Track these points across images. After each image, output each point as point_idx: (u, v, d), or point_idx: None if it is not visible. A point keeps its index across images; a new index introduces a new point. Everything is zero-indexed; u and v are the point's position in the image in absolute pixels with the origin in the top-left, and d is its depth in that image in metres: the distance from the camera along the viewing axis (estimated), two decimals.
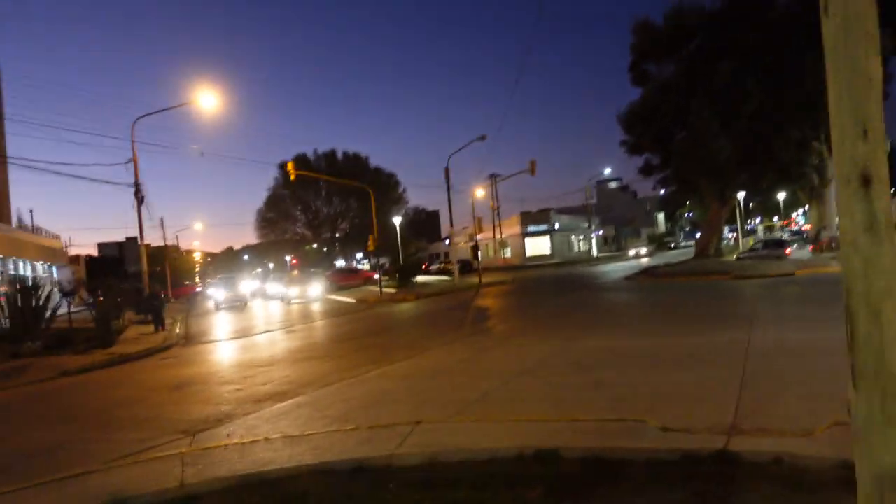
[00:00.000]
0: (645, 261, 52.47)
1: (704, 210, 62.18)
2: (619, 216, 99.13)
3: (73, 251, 56.29)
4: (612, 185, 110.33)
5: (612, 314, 16.92)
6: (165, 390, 10.40)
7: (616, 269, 41.44)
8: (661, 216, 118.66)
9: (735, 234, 54.28)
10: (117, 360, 14.74)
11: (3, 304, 16.19)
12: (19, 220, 44.82)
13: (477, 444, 5.36)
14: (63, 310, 18.32)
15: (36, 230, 40.82)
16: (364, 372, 10.22)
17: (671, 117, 32.25)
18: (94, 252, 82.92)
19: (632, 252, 65.05)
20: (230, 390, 9.73)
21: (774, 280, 21.78)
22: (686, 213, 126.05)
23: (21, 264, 32.29)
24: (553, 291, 27.15)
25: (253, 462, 5.47)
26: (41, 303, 16.76)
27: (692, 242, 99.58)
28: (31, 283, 22.38)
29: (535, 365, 9.55)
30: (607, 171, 76.43)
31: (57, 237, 42.20)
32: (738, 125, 30.22)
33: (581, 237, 79.20)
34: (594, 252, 75.51)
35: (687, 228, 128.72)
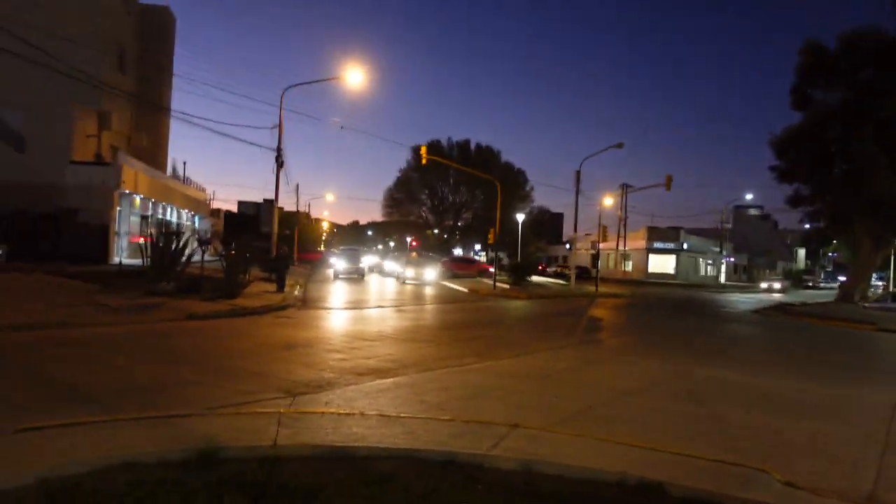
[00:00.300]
0: (778, 296, 48.99)
1: (853, 252, 57.06)
2: (754, 245, 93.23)
3: (215, 205, 60.34)
4: (752, 211, 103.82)
5: (736, 347, 15.76)
6: (276, 348, 10.74)
7: (744, 300, 38.98)
8: (801, 252, 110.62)
9: (884, 282, 49.39)
10: (238, 311, 15.48)
11: (147, 244, 17.43)
12: (173, 169, 48.60)
13: (575, 461, 5.02)
14: (197, 257, 19.48)
15: (186, 181, 44.01)
16: (467, 363, 10.07)
17: (831, 147, 29.68)
18: (234, 208, 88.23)
19: (764, 284, 60.99)
20: (335, 358, 9.88)
21: None
22: (830, 253, 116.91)
23: (169, 210, 34.99)
24: (673, 313, 25.84)
25: (345, 435, 5.43)
26: (179, 248, 17.92)
27: (833, 284, 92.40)
28: (174, 229, 24.16)
29: (645, 386, 9.00)
30: (749, 196, 71.68)
31: (203, 190, 45.27)
32: None
33: (710, 261, 75.35)
34: (722, 278, 71.54)
35: (829, 269, 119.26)
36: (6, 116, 25.47)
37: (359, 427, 5.75)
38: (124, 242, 26.44)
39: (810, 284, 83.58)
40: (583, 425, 6.52)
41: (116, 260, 24.19)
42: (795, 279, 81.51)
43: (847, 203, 29.98)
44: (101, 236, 24.57)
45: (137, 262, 19.11)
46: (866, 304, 32.95)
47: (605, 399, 7.93)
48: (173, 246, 17.64)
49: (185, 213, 38.64)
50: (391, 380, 8.43)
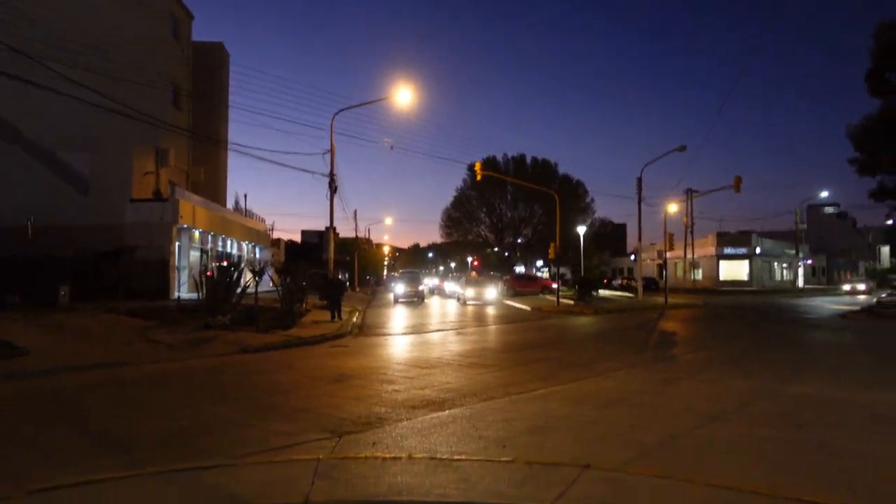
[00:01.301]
0: (862, 297, 45.93)
1: None
2: (832, 245, 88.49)
3: (279, 234, 61.34)
4: (828, 210, 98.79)
5: (829, 357, 14.27)
6: (326, 381, 10.19)
7: (828, 304, 36.53)
8: (885, 250, 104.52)
9: None
10: (293, 342, 15.10)
11: (202, 278, 17.33)
12: (235, 202, 49.57)
13: None
14: (257, 287, 19.37)
15: (248, 213, 44.71)
16: (531, 389, 9.26)
17: None
18: (298, 238, 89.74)
19: (846, 286, 57.39)
20: (388, 390, 9.24)
21: None
22: None
23: (229, 242, 35.43)
24: (751, 322, 24.18)
25: (388, 486, 4.73)
26: (234, 280, 17.76)
27: None
28: (233, 261, 24.21)
29: (732, 409, 7.97)
30: (823, 194, 68.06)
31: (263, 220, 45.92)
32: None
33: (786, 265, 71.84)
34: (800, 283, 67.91)
35: None
36: (72, 161, 26.25)
37: (405, 475, 5.04)
38: (184, 276, 26.73)
39: None
40: (666, 460, 5.64)
41: (176, 295, 24.41)
42: (881, 279, 76.68)
43: None
44: (161, 272, 24.87)
45: (196, 296, 19.10)
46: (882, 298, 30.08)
47: (688, 426, 6.98)
48: (228, 278, 17.49)
49: (245, 244, 39.10)
50: (447, 412, 7.72)
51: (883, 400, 8.70)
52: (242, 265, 20.44)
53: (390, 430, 6.84)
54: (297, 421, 7.21)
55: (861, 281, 60.84)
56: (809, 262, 75.40)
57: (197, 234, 29.80)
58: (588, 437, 6.51)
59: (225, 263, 19.17)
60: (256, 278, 17.94)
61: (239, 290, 17.90)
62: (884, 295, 33.23)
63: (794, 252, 65.23)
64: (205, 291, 17.07)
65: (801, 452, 5.98)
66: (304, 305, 21.18)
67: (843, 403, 8.40)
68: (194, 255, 29.24)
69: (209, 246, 31.73)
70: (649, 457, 5.77)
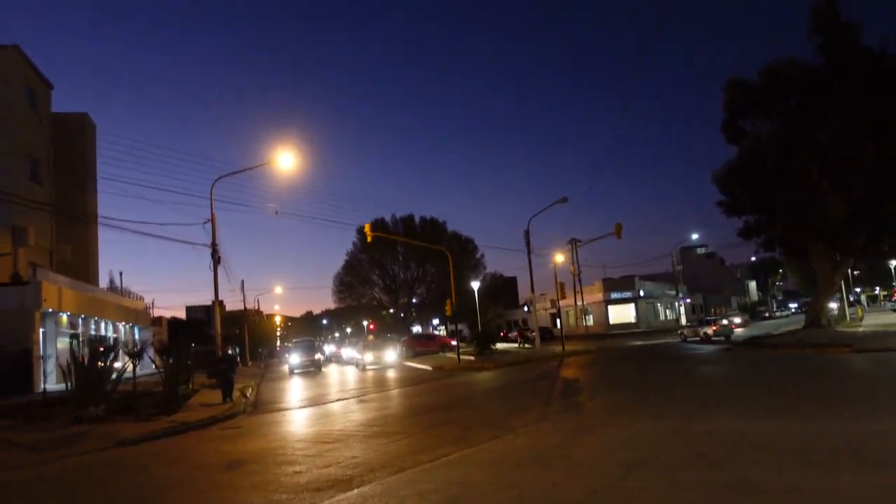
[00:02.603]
0: (740, 331, 48.76)
1: (805, 277, 57.80)
2: (705, 284, 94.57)
3: (160, 312, 57.70)
4: (699, 251, 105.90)
5: (723, 391, 14.63)
6: (217, 469, 9.13)
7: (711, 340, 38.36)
8: (752, 284, 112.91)
9: (839, 303, 49.82)
10: (178, 428, 13.73)
11: (70, 366, 15.56)
12: (110, 281, 46.21)
13: None
14: (134, 371, 17.68)
15: (125, 292, 41.74)
16: (442, 455, 8.68)
17: (772, 176, 29.91)
18: (183, 314, 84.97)
19: (724, 322, 60.94)
20: (289, 473, 8.38)
21: None
22: (778, 282, 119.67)
23: (103, 325, 32.68)
24: (646, 362, 24.83)
25: None
26: (109, 364, 16.08)
27: (787, 312, 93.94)
28: (108, 344, 22.14)
29: (647, 455, 7.75)
30: (694, 236, 72.80)
31: (141, 298, 43.00)
32: (851, 183, 27.54)
33: (668, 305, 75.56)
34: (683, 320, 71.47)
35: (780, 297, 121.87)
36: None
37: None
38: (51, 366, 24.10)
39: (766, 315, 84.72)
40: None
41: (42, 387, 21.88)
42: (752, 312, 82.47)
43: (799, 229, 30.05)
44: (23, 363, 22.25)
45: (65, 386, 17.12)
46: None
47: (609, 477, 6.66)
48: (101, 364, 15.80)
49: (121, 325, 36.26)
50: (356, 491, 7.00)
51: (786, 430, 8.80)
52: (119, 348, 18.67)
53: None
54: None
55: (737, 315, 64.83)
56: (688, 300, 79.82)
57: (65, 317, 27.23)
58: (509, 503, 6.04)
59: (102, 349, 17.38)
60: (134, 361, 16.36)
61: (114, 375, 16.19)
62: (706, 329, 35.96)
63: (673, 292, 68.81)
64: (74, 380, 15.31)
65: (725, 497, 5.77)
66: (190, 386, 19.53)
67: (752, 437, 8.40)
68: (63, 341, 26.57)
69: (80, 330, 29.04)
70: None
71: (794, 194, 28.35)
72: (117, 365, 16.69)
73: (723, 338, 34.84)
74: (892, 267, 71.72)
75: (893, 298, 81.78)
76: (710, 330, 36.25)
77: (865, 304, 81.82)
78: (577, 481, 6.66)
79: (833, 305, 57.11)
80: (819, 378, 15.51)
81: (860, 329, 32.23)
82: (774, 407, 11.21)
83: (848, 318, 46.02)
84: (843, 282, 46.13)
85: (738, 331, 48.85)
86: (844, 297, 52.44)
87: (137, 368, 19.34)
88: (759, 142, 31.83)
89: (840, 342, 23.42)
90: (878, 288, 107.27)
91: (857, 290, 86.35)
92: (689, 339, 36.89)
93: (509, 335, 61.04)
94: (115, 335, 33.89)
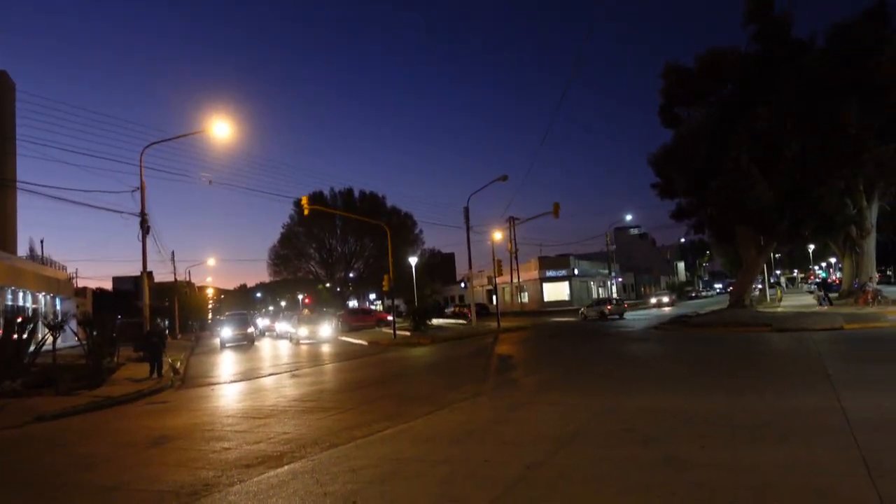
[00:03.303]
0: (668, 310, 50.53)
1: (731, 259, 60.33)
2: (637, 264, 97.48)
3: (85, 283, 55.37)
4: (633, 231, 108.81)
5: (653, 368, 15.07)
6: (142, 446, 8.82)
7: (640, 318, 39.62)
8: (681, 265, 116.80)
9: (760, 285, 52.17)
10: (102, 403, 13.23)
11: None
12: (30, 249, 43.93)
13: None
14: (54, 344, 16.87)
15: (46, 261, 39.80)
16: (376, 430, 8.64)
17: (705, 161, 30.80)
18: (110, 285, 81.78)
19: (653, 300, 62.96)
20: (217, 449, 8.16)
21: (829, 334, 19.85)
22: (705, 263, 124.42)
23: (21, 294, 31.07)
24: (578, 339, 25.36)
25: None
26: (27, 337, 15.30)
27: (712, 292, 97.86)
28: (26, 315, 21.07)
29: (579, 429, 7.92)
30: (628, 217, 74.80)
31: (63, 268, 41.09)
32: (779, 171, 28.63)
33: (600, 284, 77.41)
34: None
35: (706, 278, 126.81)
36: None
37: None
38: None
39: (693, 295, 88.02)
40: (528, 496, 5.32)
41: None
42: (680, 291, 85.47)
43: (728, 213, 31.10)
44: None
45: None
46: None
47: (542, 453, 6.75)
48: (17, 335, 15.02)
49: (41, 296, 34.58)
50: (287, 467, 6.88)
51: (710, 405, 9.11)
52: (38, 319, 17.80)
53: (220, 497, 5.90)
54: None
55: (665, 294, 67.08)
56: (620, 280, 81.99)
57: None
58: (444, 478, 6.04)
59: (20, 320, 16.48)
60: (55, 333, 15.60)
61: (32, 348, 15.42)
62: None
63: (606, 272, 70.51)
64: None
65: (652, 468, 5.93)
66: (115, 360, 18.82)
67: (678, 413, 8.66)
68: None
69: None
70: (512, 494, 5.43)
71: (724, 179, 29.27)
72: (38, 337, 15.91)
73: (616, 315, 41.60)
74: (810, 251, 75.29)
75: (809, 280, 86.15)
76: (605, 309, 42.01)
77: (785, 285, 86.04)
78: (511, 457, 6.72)
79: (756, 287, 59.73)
80: (742, 356, 16.15)
81: (779, 309, 33.86)
82: (702, 384, 11.60)
83: (768, 299, 48.29)
84: (771, 264, 48.32)
85: (666, 310, 50.63)
86: (766, 279, 54.98)
87: (59, 341, 18.53)
88: (693, 127, 32.69)
89: (761, 322, 24.48)
90: (796, 270, 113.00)
91: (778, 272, 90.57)
92: (588, 318, 42.06)
93: (446, 311, 61.45)
94: (34, 306, 32.28)
